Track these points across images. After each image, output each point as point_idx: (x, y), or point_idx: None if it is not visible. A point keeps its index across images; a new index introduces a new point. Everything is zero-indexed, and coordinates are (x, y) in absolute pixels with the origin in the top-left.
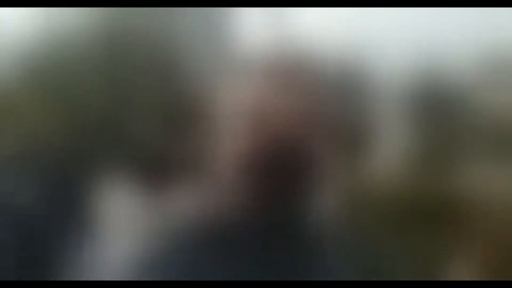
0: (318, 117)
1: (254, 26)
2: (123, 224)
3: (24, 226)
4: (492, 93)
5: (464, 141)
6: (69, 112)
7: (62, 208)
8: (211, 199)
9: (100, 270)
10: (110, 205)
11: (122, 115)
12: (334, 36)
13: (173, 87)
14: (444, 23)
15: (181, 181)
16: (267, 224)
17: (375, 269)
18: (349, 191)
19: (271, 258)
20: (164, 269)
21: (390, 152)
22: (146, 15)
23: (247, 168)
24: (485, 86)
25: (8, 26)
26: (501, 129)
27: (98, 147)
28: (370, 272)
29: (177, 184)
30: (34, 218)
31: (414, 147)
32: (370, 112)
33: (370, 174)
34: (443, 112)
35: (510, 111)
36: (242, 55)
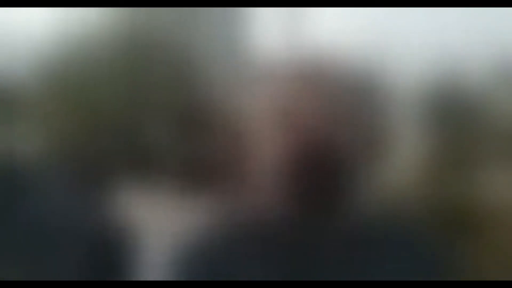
0: (338, 119)
1: (273, 29)
2: (157, 227)
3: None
4: (508, 95)
5: (483, 144)
6: (88, 117)
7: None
8: (244, 202)
9: (136, 271)
10: (145, 208)
11: (146, 120)
12: (354, 39)
13: (193, 90)
14: (461, 24)
15: (215, 184)
16: (298, 224)
17: (406, 270)
18: (374, 193)
19: (305, 257)
20: (200, 270)
21: (410, 154)
22: (164, 17)
23: (275, 171)
24: (501, 88)
25: (27, 27)
26: None
27: (123, 150)
28: (401, 273)
29: (210, 187)
30: (62, 220)
31: (433, 150)
32: (388, 115)
33: (394, 176)
34: (464, 114)
35: None
36: (264, 58)
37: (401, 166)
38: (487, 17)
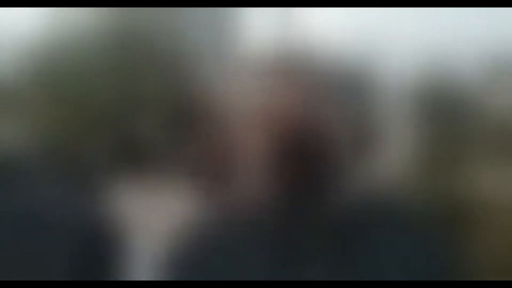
0: (328, 114)
1: (260, 26)
2: (147, 223)
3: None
4: (498, 93)
5: (470, 141)
6: (77, 113)
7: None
8: (234, 196)
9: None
10: (134, 203)
11: (135, 116)
12: (341, 36)
13: (180, 86)
14: (452, 23)
15: (204, 179)
16: (288, 219)
17: (386, 267)
18: (365, 187)
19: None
20: (190, 268)
21: (396, 150)
22: (152, 16)
23: (265, 165)
24: (491, 86)
25: (16, 26)
26: (507, 128)
27: (109, 145)
28: (383, 270)
29: (199, 182)
30: (53, 217)
31: (419, 145)
32: (375, 111)
33: (384, 171)
34: (450, 111)
35: None
36: (250, 54)
37: (391, 161)
38: (478, 16)
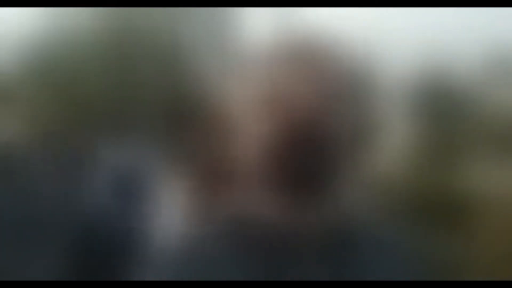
0: (323, 113)
1: (259, 25)
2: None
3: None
4: (497, 92)
5: (469, 138)
6: (74, 112)
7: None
8: (240, 198)
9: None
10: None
11: (137, 114)
12: (341, 35)
13: (180, 85)
14: (451, 23)
15: (210, 182)
16: (289, 214)
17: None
18: (364, 183)
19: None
20: (199, 270)
21: (394, 148)
22: (151, 15)
23: (264, 164)
24: (490, 85)
25: (14, 26)
26: (505, 126)
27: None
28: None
29: (206, 185)
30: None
31: (419, 143)
32: (377, 109)
33: (383, 166)
34: (449, 109)
35: None
36: (250, 52)
37: (390, 156)
38: (481, 15)
